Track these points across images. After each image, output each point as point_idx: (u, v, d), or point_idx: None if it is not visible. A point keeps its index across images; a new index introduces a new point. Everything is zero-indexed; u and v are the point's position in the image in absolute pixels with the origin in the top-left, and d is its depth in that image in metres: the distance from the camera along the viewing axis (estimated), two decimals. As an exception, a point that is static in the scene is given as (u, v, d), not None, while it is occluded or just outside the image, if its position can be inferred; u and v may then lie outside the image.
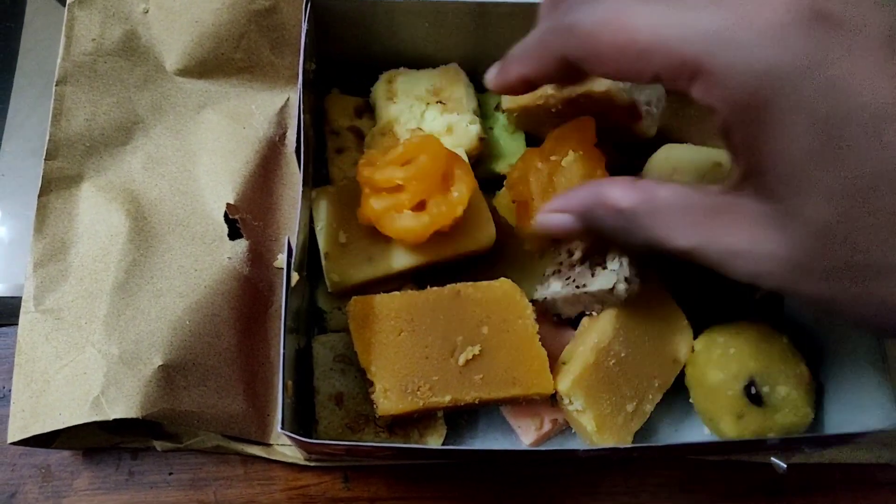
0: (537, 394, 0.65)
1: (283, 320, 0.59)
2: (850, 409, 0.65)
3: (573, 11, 0.49)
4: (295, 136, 0.68)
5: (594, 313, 0.68)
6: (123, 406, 0.63)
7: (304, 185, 0.66)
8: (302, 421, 0.67)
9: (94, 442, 0.70)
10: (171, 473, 0.70)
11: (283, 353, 0.58)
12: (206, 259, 0.72)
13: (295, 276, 0.61)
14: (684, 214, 0.48)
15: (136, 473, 0.70)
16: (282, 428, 0.56)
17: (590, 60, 0.48)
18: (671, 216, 0.49)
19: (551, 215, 0.58)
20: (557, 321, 0.72)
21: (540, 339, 0.67)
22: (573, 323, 0.73)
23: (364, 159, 0.69)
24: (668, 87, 0.47)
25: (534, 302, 0.70)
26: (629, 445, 0.62)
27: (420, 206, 0.67)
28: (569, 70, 0.51)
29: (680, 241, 0.48)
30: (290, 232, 0.76)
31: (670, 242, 0.49)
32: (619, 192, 0.52)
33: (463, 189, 0.67)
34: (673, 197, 0.49)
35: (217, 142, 0.79)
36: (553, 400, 0.67)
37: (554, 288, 0.69)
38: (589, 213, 0.55)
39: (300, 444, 0.60)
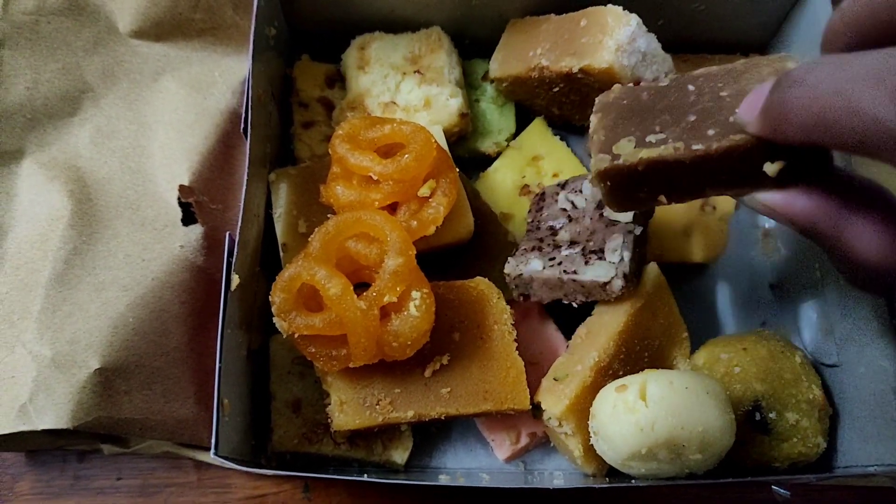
0: (511, 409, 0.58)
1: (221, 331, 0.52)
2: (864, 438, 0.57)
3: None
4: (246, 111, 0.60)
5: (574, 304, 0.60)
6: (53, 415, 0.57)
7: (251, 167, 0.58)
8: (256, 429, 0.62)
9: (36, 444, 0.65)
10: (119, 479, 0.65)
11: (220, 368, 0.52)
12: (155, 247, 0.65)
13: (235, 279, 0.54)
14: None
15: (83, 478, 0.65)
16: (214, 452, 0.50)
17: None
18: None
19: (778, 198, 0.41)
20: (523, 300, 0.63)
21: (517, 342, 0.60)
22: (555, 317, 0.65)
23: (343, 130, 0.60)
24: None
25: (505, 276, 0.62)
26: (605, 485, 0.55)
27: (390, 208, 0.59)
28: None
29: None
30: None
31: None
32: (869, 238, 0.37)
33: (442, 203, 0.58)
34: None
35: (174, 114, 0.71)
36: (533, 411, 0.60)
37: (534, 266, 0.60)
38: (814, 229, 0.40)
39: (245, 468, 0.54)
